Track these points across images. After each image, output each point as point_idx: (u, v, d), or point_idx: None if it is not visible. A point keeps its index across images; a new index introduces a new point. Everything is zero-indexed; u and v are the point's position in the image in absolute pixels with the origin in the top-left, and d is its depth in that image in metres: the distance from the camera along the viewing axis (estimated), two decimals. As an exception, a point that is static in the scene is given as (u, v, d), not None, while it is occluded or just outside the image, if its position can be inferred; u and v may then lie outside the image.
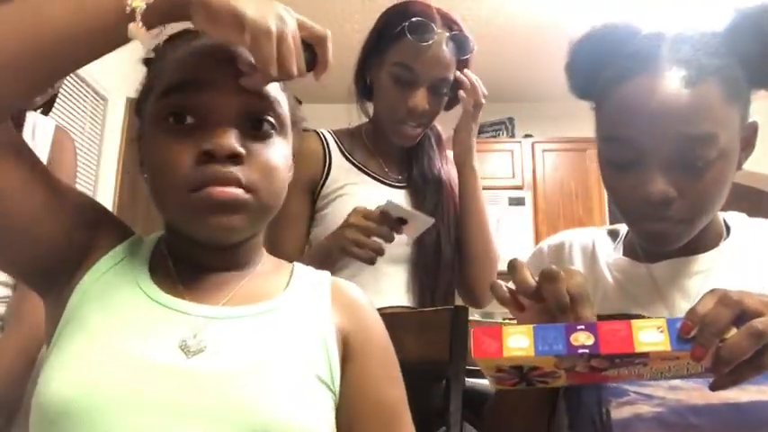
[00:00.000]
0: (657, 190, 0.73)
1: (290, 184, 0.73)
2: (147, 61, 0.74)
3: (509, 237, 3.90)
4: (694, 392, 0.72)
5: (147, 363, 0.58)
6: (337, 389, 0.66)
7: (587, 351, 0.58)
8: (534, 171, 4.17)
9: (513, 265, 0.70)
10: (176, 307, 0.64)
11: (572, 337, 0.59)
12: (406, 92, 1.21)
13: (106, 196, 3.44)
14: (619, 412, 0.75)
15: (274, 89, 0.68)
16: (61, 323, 0.64)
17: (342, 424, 0.66)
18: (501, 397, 0.86)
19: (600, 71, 0.80)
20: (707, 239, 0.83)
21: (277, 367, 0.62)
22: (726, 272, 0.80)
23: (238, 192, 0.62)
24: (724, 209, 0.86)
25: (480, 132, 4.35)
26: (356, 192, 1.25)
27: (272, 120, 0.67)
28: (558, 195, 4.11)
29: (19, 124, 1.23)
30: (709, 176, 0.74)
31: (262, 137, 0.66)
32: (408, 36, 1.18)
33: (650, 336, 0.57)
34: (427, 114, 1.24)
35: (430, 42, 1.18)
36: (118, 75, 3.38)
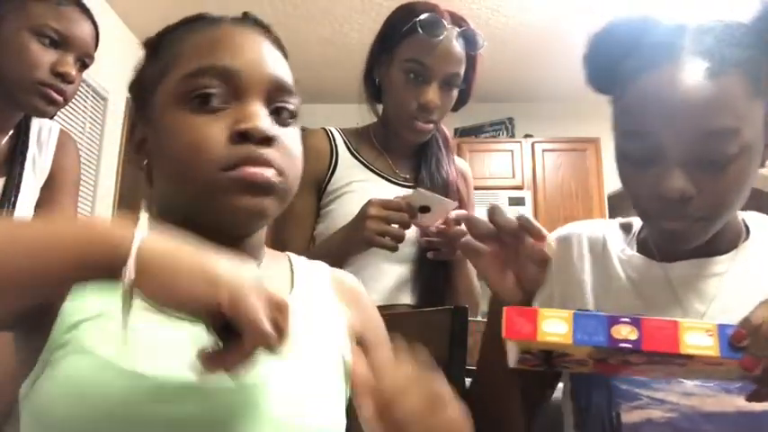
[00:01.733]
0: (676, 187, 0.70)
1: None
2: (150, 44, 0.73)
3: (509, 237, 3.91)
4: (708, 399, 0.70)
5: (163, 381, 0.55)
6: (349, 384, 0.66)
7: (630, 346, 0.55)
8: (534, 171, 4.17)
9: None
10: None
11: (614, 330, 0.56)
12: (419, 87, 1.22)
13: (106, 196, 3.44)
14: (629, 416, 0.73)
15: (291, 79, 0.68)
16: (48, 348, 0.58)
17: (353, 415, 0.64)
18: (484, 379, 0.85)
19: (618, 63, 0.77)
20: (726, 240, 0.80)
21: (300, 380, 0.61)
22: (744, 274, 0.78)
23: (271, 173, 0.61)
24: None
25: (480, 132, 4.36)
26: (362, 189, 1.25)
27: (292, 108, 0.67)
28: (558, 195, 4.11)
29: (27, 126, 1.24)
30: (729, 173, 0.70)
31: (283, 124, 0.66)
32: (420, 32, 1.19)
33: (698, 338, 0.55)
34: (439, 110, 1.24)
35: (441, 38, 1.19)
36: (118, 75, 3.38)
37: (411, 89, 1.22)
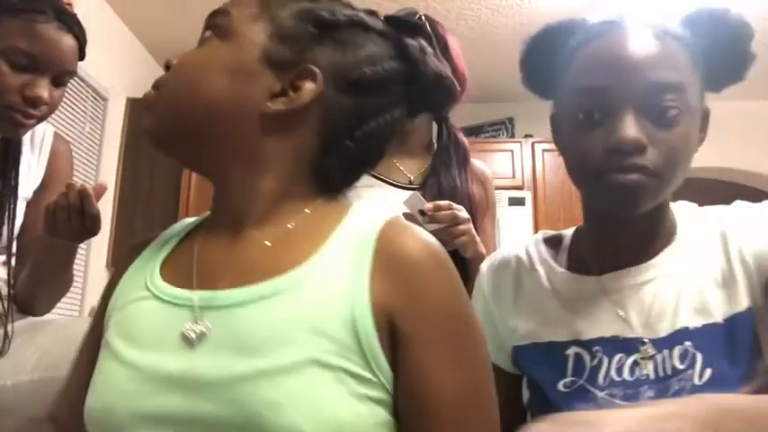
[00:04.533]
0: (630, 135, 0.70)
1: None
2: None
3: (509, 237, 3.90)
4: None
5: (153, 371, 0.57)
6: (387, 380, 0.56)
7: None
8: (534, 171, 4.16)
9: None
10: (177, 299, 0.60)
11: None
12: None
13: (106, 196, 3.43)
14: None
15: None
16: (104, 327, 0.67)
17: (404, 421, 0.57)
18: None
19: (558, 51, 0.82)
20: (660, 239, 0.79)
21: (289, 368, 0.53)
22: (674, 275, 0.77)
23: None
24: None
25: (480, 132, 4.36)
26: (357, 197, 1.27)
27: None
28: (558, 195, 4.11)
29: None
30: (678, 130, 0.72)
31: None
32: None
33: None
34: None
35: None
36: (118, 75, 3.38)
37: None
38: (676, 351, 0.72)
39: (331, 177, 0.69)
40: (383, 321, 0.56)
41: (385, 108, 0.68)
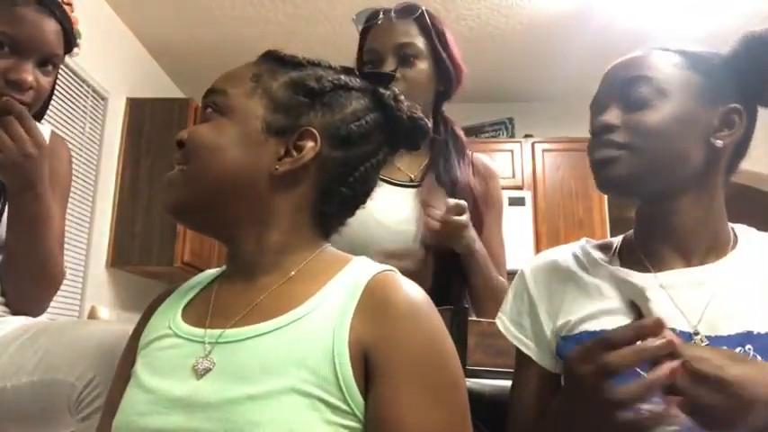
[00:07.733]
0: (603, 118, 0.83)
1: None
2: None
3: (509, 237, 3.89)
4: None
5: (164, 395, 0.66)
6: (360, 411, 0.62)
7: None
8: (534, 171, 4.17)
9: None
10: (192, 336, 0.70)
11: None
12: (379, 69, 1.28)
13: (106, 196, 3.44)
14: None
15: None
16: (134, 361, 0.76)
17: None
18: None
19: None
20: (713, 249, 0.83)
21: (272, 394, 0.60)
22: (736, 282, 0.80)
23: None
24: (730, 219, 0.86)
25: (480, 132, 4.36)
26: None
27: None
28: (558, 195, 4.11)
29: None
30: (648, 113, 0.81)
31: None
32: (363, 26, 1.31)
33: None
34: (400, 82, 1.25)
35: (378, 21, 1.30)
36: (118, 75, 3.38)
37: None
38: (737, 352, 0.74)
39: (328, 220, 0.78)
40: (358, 356, 0.63)
41: (371, 154, 0.78)
